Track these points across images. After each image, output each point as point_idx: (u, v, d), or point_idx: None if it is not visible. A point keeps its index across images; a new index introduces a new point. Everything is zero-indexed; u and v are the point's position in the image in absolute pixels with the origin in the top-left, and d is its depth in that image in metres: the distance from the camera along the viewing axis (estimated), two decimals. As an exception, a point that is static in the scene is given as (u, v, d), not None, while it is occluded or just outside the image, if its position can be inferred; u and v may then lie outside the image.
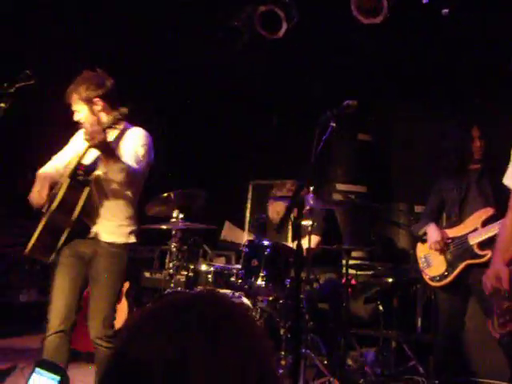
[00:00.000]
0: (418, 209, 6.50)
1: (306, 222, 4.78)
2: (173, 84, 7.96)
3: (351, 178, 7.31)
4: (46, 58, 6.61)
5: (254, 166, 8.26)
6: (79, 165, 3.90)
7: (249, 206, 7.79)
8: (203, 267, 5.72)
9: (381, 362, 5.51)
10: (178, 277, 5.78)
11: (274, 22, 6.55)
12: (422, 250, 4.88)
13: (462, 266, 4.56)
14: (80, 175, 3.87)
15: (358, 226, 6.55)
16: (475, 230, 4.54)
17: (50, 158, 4.22)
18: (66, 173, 3.89)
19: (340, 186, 7.07)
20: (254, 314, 4.99)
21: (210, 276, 5.57)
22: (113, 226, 3.99)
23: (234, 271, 5.46)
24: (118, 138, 4.03)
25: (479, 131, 4.69)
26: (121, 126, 3.92)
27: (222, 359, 0.97)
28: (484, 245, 4.47)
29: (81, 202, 3.80)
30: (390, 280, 6.18)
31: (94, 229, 3.95)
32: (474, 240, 4.52)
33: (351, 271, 5.88)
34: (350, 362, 5.17)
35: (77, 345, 5.61)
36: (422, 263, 4.84)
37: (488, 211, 4.53)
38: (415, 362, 5.42)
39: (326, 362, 5.04)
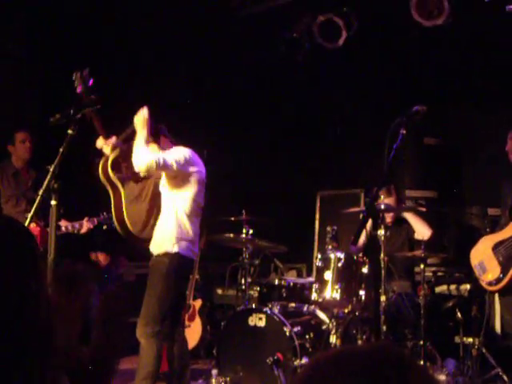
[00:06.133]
0: (491, 211, 6.29)
1: (380, 233, 4.68)
2: (234, 100, 7.97)
3: (420, 184, 7.12)
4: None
5: (321, 177, 8.15)
6: None
7: (317, 217, 7.71)
8: (276, 282, 5.66)
9: (463, 372, 5.33)
10: (251, 292, 5.76)
11: (334, 31, 6.49)
12: (475, 258, 4.85)
13: None
14: None
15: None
16: None
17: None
18: None
19: (410, 193, 6.90)
20: (330, 327, 4.92)
21: (283, 290, 5.51)
22: None
23: (307, 285, 5.40)
24: None
25: None
26: None
27: None
28: None
29: None
30: (468, 287, 5.99)
31: None
32: None
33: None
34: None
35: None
36: (477, 271, 4.81)
37: None
38: (499, 370, 5.22)
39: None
